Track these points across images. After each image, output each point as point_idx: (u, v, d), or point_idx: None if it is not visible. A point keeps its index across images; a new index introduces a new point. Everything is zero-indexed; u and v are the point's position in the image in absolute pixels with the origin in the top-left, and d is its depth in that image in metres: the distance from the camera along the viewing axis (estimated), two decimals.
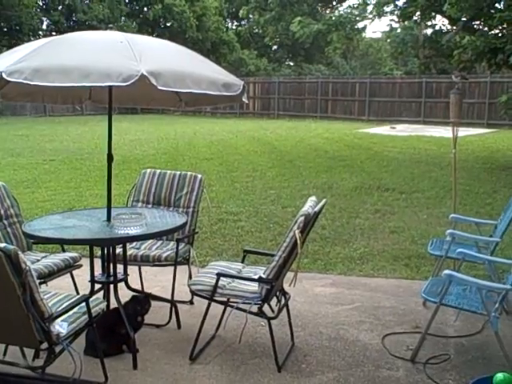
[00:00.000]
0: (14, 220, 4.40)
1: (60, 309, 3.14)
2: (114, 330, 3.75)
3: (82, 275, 4.33)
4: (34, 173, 11.64)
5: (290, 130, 22.39)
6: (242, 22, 44.62)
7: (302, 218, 3.44)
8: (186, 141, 17.93)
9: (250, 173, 11.56)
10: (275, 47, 44.11)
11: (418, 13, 16.35)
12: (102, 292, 4.08)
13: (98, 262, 4.08)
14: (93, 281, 4.02)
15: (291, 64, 44.38)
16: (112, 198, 4.14)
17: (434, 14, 16.50)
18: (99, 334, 3.47)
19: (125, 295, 4.14)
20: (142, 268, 4.69)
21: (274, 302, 3.83)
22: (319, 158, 13.93)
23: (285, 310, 3.91)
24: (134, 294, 4.13)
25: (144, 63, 3.31)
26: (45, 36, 30.81)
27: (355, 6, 23.35)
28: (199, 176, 4.84)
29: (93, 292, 3.97)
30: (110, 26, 35.48)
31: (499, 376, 2.85)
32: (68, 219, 4.27)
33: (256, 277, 3.64)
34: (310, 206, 3.62)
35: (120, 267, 4.08)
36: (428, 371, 3.59)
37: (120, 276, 4.06)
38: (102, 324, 3.62)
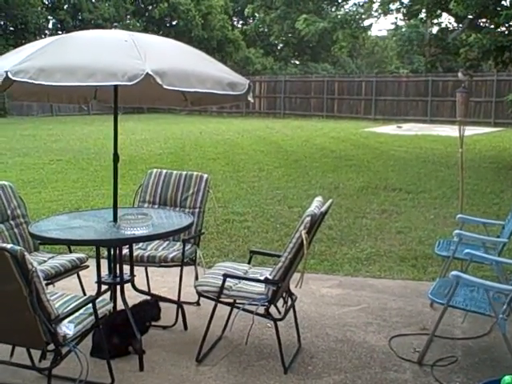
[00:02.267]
0: (20, 221, 4.40)
1: (67, 310, 3.13)
2: (120, 332, 3.74)
3: (89, 276, 4.33)
4: (41, 173, 11.67)
5: (296, 129, 22.37)
6: (248, 21, 44.59)
7: (309, 219, 3.42)
8: (192, 140, 17.94)
9: (257, 173, 11.54)
10: (281, 46, 44.05)
11: (424, 11, 16.30)
12: (108, 293, 4.07)
13: (104, 263, 4.08)
14: (99, 282, 4.01)
15: (297, 63, 44.29)
16: (118, 199, 4.14)
17: (440, 11, 16.44)
18: (105, 336, 3.47)
19: (131, 296, 4.14)
20: (149, 269, 4.69)
21: (280, 303, 3.82)
22: (325, 157, 13.91)
23: (291, 311, 3.89)
24: (146, 298, 4.07)
25: (149, 62, 3.30)
26: (51, 35, 30.86)
27: (361, 3, 23.28)
28: (205, 176, 4.84)
29: (99, 293, 3.97)
30: (116, 24, 35.55)
31: (507, 379, 2.82)
32: (74, 220, 4.27)
33: (262, 278, 3.63)
34: (316, 206, 3.60)
35: (126, 268, 4.08)
36: (435, 373, 3.57)
37: (126, 277, 4.05)
38: (109, 325, 3.62)
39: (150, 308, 3.90)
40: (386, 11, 21.09)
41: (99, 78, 3.24)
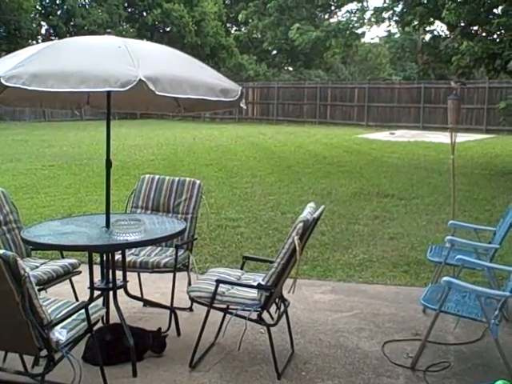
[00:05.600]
0: (12, 226, 4.38)
1: (59, 316, 3.12)
2: (115, 344, 3.72)
3: (82, 282, 4.32)
4: (33, 178, 11.63)
5: (288, 135, 22.41)
6: (241, 27, 44.70)
7: (301, 225, 3.44)
8: (185, 146, 17.94)
9: (249, 179, 11.55)
10: (274, 52, 44.15)
11: (417, 19, 16.38)
12: (101, 299, 4.06)
13: (97, 269, 4.07)
14: (92, 287, 4.00)
15: (290, 69, 44.40)
16: (111, 204, 4.14)
17: (432, 19, 16.53)
18: (100, 347, 3.46)
19: (124, 301, 4.14)
20: (142, 275, 4.68)
21: (273, 308, 3.82)
22: (318, 163, 13.94)
23: (284, 316, 3.89)
24: (154, 332, 3.94)
25: (142, 68, 3.31)
26: (44, 41, 30.75)
27: (353, 11, 23.39)
28: (198, 182, 4.84)
29: (92, 299, 3.95)
30: (109, 30, 35.52)
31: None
32: (67, 225, 4.26)
33: (255, 283, 3.63)
34: (308, 212, 3.62)
35: (119, 274, 4.07)
36: (428, 379, 3.58)
37: (119, 283, 4.05)
38: (104, 338, 3.63)
39: (157, 343, 3.83)
40: (379, 20, 21.20)
41: (92, 84, 3.25)
